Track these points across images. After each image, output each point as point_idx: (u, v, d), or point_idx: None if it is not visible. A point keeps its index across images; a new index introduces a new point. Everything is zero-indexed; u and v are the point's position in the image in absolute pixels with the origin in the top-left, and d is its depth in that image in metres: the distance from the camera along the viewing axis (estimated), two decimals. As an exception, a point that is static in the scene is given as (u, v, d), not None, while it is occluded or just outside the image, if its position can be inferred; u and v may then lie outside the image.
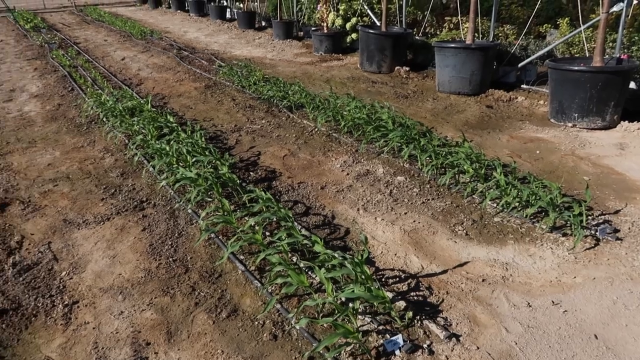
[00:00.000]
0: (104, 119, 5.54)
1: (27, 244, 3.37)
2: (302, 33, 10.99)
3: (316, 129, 5.32)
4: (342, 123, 5.13)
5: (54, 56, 9.32)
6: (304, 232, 3.35)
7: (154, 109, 5.58)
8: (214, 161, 3.98)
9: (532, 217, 3.42)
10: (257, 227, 3.14)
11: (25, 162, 4.75)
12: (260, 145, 5.00)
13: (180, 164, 4.10)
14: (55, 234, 3.48)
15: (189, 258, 3.15)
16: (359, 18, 9.15)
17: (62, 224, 3.61)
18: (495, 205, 3.63)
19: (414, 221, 3.51)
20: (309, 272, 2.87)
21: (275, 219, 3.18)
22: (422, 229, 3.41)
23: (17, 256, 3.22)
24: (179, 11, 16.10)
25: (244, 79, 7.08)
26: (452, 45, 6.36)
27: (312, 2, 10.53)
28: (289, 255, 3.01)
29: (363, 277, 2.53)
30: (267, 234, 3.30)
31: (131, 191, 4.08)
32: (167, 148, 4.23)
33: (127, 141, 5.04)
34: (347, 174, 4.28)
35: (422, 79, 7.39)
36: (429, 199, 3.81)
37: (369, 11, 9.00)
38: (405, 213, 3.63)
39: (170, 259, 3.13)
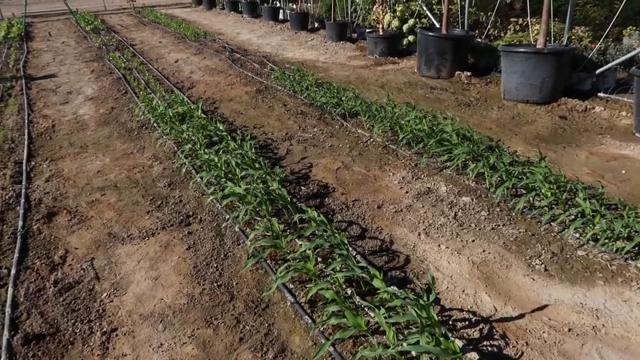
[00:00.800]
0: (155, 125, 5.43)
1: (70, 259, 3.24)
2: (355, 35, 10.66)
3: (372, 140, 5.00)
4: (401, 135, 4.77)
5: (111, 58, 9.45)
6: (359, 258, 3.04)
7: (205, 116, 5.42)
8: (264, 175, 3.73)
9: (624, 253, 2.95)
10: (309, 252, 2.86)
11: (76, 168, 4.69)
12: (312, 156, 4.72)
13: (229, 175, 3.89)
14: (99, 249, 3.33)
15: (234, 284, 2.91)
16: (417, 19, 8.73)
17: (107, 238, 3.46)
18: (577, 235, 3.18)
19: (484, 251, 3.13)
20: (366, 309, 2.56)
21: (328, 246, 2.88)
22: (493, 261, 3.02)
23: (60, 273, 3.08)
24: (232, 12, 16.15)
25: (296, 84, 6.84)
26: (522, 49, 5.85)
27: (368, 3, 10.18)
28: (344, 287, 2.71)
29: (430, 323, 2.20)
30: (320, 259, 3.01)
31: (178, 204, 3.91)
32: (216, 159, 4.03)
33: (176, 148, 4.90)
34: (406, 192, 3.93)
35: (485, 85, 6.89)
36: (499, 225, 3.41)
37: (427, 12, 8.56)
38: (473, 240, 3.25)
39: (215, 284, 2.90)
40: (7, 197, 4.10)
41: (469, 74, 7.20)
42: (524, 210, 3.51)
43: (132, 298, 2.82)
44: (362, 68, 8.17)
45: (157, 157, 4.85)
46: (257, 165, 3.97)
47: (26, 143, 5.32)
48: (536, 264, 2.97)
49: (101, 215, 3.79)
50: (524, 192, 3.56)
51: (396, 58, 8.66)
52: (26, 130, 5.69)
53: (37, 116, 6.33)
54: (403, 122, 4.90)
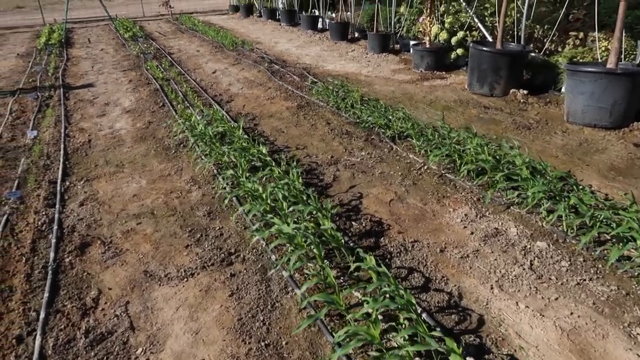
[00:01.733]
0: (194, 145, 5.15)
1: (103, 302, 2.94)
2: (398, 46, 10.25)
3: (426, 167, 4.59)
4: (459, 162, 4.35)
5: (148, 67, 9.31)
6: (425, 316, 2.64)
7: (246, 136, 5.11)
8: (314, 212, 3.37)
9: None
10: (371, 312, 2.48)
11: (111, 191, 4.45)
12: (362, 185, 4.34)
13: (275, 208, 3.55)
14: (134, 290, 3.03)
15: (284, 343, 2.55)
16: (467, 32, 8.26)
17: (143, 276, 3.16)
18: (684, 299, 2.71)
19: (571, 313, 2.68)
20: (442, 390, 2.17)
21: (395, 307, 2.49)
22: (584, 327, 2.58)
23: (92, 319, 2.79)
24: (269, 20, 15.96)
25: (340, 100, 6.49)
26: (591, 69, 5.34)
27: (413, 14, 9.76)
28: (414, 360, 2.32)
29: None
30: (380, 316, 2.63)
31: (218, 237, 3.59)
32: (260, 190, 3.70)
33: (215, 171, 4.61)
34: (471, 233, 3.51)
35: (544, 105, 6.39)
36: (585, 280, 2.95)
37: (479, 24, 8.09)
38: (556, 298, 2.81)
39: (262, 343, 2.55)
40: (39, 223, 3.86)
41: (525, 92, 6.70)
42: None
43: (169, 356, 2.50)
44: (407, 83, 7.76)
45: (195, 180, 4.56)
46: (304, 198, 3.62)
47: (61, 160, 5.12)
48: (638, 334, 2.51)
49: (137, 249, 3.51)
50: (611, 239, 3.10)
51: (444, 72, 8.21)
52: (62, 145, 5.51)
53: (73, 129, 6.16)
54: (458, 145, 4.47)
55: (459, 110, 6.32)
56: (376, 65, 9.12)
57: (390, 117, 5.64)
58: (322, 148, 5.24)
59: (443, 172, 4.46)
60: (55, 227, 3.77)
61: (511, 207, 3.80)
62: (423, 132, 5.09)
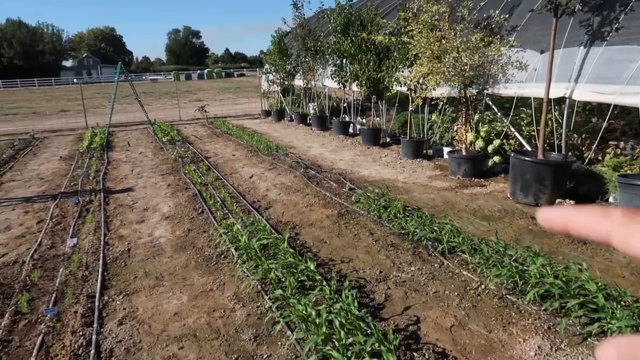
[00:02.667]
0: (237, 260, 4.98)
1: None
2: (432, 152, 10.34)
3: (483, 287, 4.29)
4: (520, 283, 4.05)
5: (186, 171, 9.49)
6: None
7: (292, 250, 4.94)
8: (376, 344, 3.08)
9: None
10: None
11: (151, 307, 4.23)
12: (417, 307, 4.05)
13: (332, 336, 3.26)
14: None
15: None
16: (503, 140, 8.29)
17: (187, 417, 2.84)
18: None
19: None
20: None
21: None
22: None
23: None
24: (301, 125, 16.55)
25: (382, 209, 6.37)
26: (648, 183, 5.16)
27: (445, 122, 9.94)
28: None
29: None
30: None
31: (267, 368, 3.29)
32: (313, 314, 3.44)
33: (260, 287, 4.39)
34: (551, 371, 3.14)
35: (595, 216, 6.13)
36: None
37: (516, 134, 8.13)
38: None
39: None
40: (76, 345, 3.63)
41: (571, 202, 6.50)
42: None
43: None
44: (447, 190, 7.65)
45: (239, 297, 4.34)
46: (362, 326, 3.34)
47: (100, 270, 4.99)
48: None
49: (179, 380, 3.22)
50: None
51: (482, 180, 8.12)
52: (101, 255, 5.41)
53: (113, 237, 6.11)
54: (523, 267, 4.19)
55: (505, 221, 6.10)
56: (412, 171, 9.12)
57: (436, 227, 5.45)
58: (369, 262, 5.01)
59: (504, 293, 4.15)
60: (92, 351, 3.53)
61: (589, 339, 3.43)
62: (475, 247, 4.85)
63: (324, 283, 4.14)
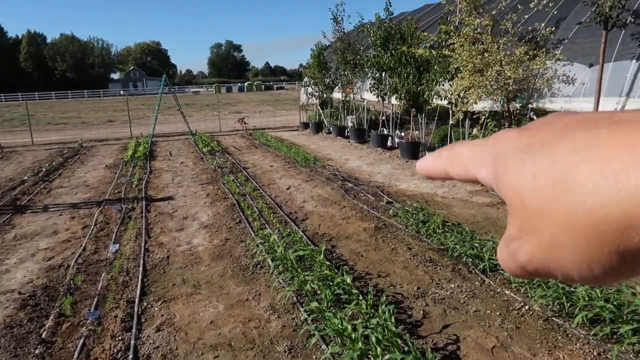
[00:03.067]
0: (273, 270, 4.97)
1: None
2: (472, 167, 10.10)
3: (527, 307, 4.12)
4: (567, 305, 3.87)
5: (225, 181, 9.63)
6: None
7: (328, 262, 4.90)
8: (414, 363, 2.99)
9: None
10: None
11: (188, 315, 4.27)
12: (457, 325, 3.92)
13: (368, 352, 3.19)
14: None
15: None
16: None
17: None
18: None
19: None
20: None
21: None
22: None
23: None
24: (338, 137, 16.56)
25: (420, 223, 6.25)
26: None
27: (487, 137, 9.72)
28: None
29: None
30: None
31: (302, 382, 3.24)
32: (349, 328, 3.38)
33: (295, 299, 4.36)
34: (601, 400, 2.96)
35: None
36: None
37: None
38: None
39: None
40: (115, 350, 3.69)
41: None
42: None
43: None
44: (488, 206, 7.45)
45: (274, 308, 4.32)
46: (398, 342, 3.25)
47: (140, 277, 5.09)
48: None
49: (214, 389, 3.21)
50: None
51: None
52: (141, 261, 5.52)
53: (153, 244, 6.23)
54: (570, 289, 4.00)
55: (550, 240, 5.86)
56: (451, 185, 8.94)
57: (477, 244, 5.30)
58: (407, 277, 4.91)
59: (549, 315, 3.96)
60: (130, 356, 3.58)
61: (643, 367, 3.23)
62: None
63: (360, 297, 4.08)
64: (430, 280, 4.80)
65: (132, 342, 3.78)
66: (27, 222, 7.45)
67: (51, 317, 4.28)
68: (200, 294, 4.71)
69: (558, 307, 4.04)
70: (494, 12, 8.38)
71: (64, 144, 17.61)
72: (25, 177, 11.10)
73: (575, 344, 3.57)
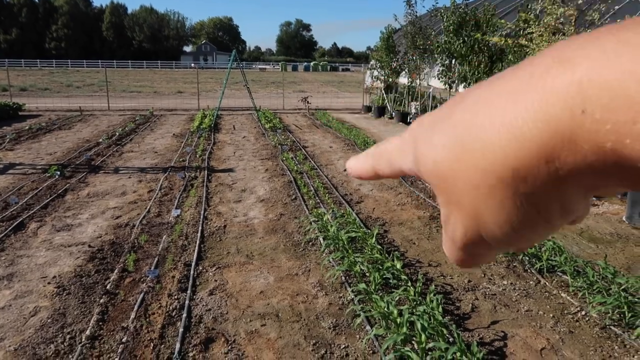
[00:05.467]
0: (325, 249, 5.04)
1: (220, 414, 2.76)
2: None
3: (583, 313, 3.95)
4: (628, 315, 3.67)
5: (284, 158, 9.79)
6: None
7: (379, 246, 4.91)
8: (458, 354, 2.96)
9: None
10: None
11: (240, 283, 4.44)
12: (506, 322, 3.83)
13: (412, 338, 3.20)
14: (253, 407, 2.82)
15: None
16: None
17: (262, 391, 2.95)
18: None
19: None
20: None
21: None
22: None
23: None
24: (400, 123, 16.33)
25: (477, 217, 6.09)
26: None
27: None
28: None
29: None
30: None
31: (344, 358, 3.30)
32: (395, 313, 3.40)
33: (344, 279, 4.42)
34: (655, 417, 2.81)
35: None
36: None
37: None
38: None
39: None
40: (171, 308, 3.92)
41: (701, 234, 5.75)
42: None
43: None
44: (551, 205, 7.13)
45: (322, 285, 4.40)
46: (445, 333, 3.23)
47: (197, 242, 5.32)
48: None
49: (259, 355, 3.34)
50: None
51: (594, 199, 7.46)
52: (200, 228, 5.76)
53: (211, 212, 6.48)
54: (633, 298, 3.80)
55: (617, 246, 5.56)
56: (514, 181, 8.62)
57: (536, 244, 5.11)
58: (458, 269, 4.83)
59: (607, 323, 3.79)
60: (184, 314, 3.78)
61: None
62: (579, 269, 4.48)
63: (409, 284, 4.07)
64: (482, 275, 4.70)
65: (187, 302, 3.99)
66: (100, 182, 7.96)
67: (116, 271, 4.59)
68: (252, 264, 4.87)
69: (618, 316, 3.85)
70: (580, 1, 7.88)
71: (137, 111, 18.51)
72: (100, 140, 11.81)
73: (633, 356, 3.40)
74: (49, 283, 4.40)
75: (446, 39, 11.72)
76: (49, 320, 3.78)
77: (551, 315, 3.96)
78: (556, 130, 0.20)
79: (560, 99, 0.20)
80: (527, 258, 4.91)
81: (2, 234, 5.43)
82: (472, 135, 0.24)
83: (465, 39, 10.99)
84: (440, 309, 3.58)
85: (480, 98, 0.24)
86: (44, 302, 4.08)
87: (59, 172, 8.15)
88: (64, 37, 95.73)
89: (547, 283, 4.50)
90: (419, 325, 3.19)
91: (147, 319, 3.74)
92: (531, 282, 4.55)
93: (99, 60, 76.99)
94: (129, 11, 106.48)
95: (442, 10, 13.33)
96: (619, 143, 0.19)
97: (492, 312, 4.00)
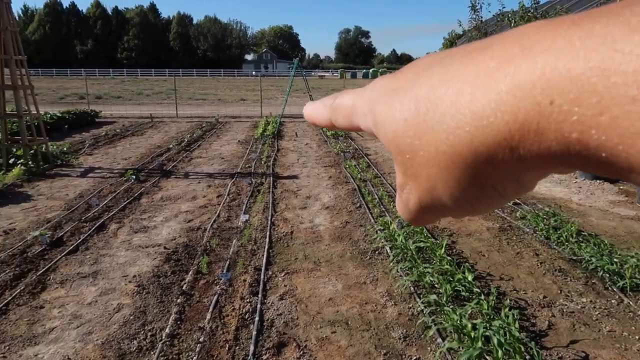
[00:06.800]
0: (393, 259, 5.02)
1: (295, 418, 2.81)
2: (616, 174, 9.13)
3: (674, 337, 3.70)
4: None
5: (347, 166, 9.84)
6: None
7: (449, 257, 4.83)
8: (538, 373, 2.87)
9: None
10: None
11: (309, 289, 4.51)
12: (586, 343, 3.65)
13: (485, 350, 3.13)
14: (327, 413, 2.85)
15: None
16: None
17: (336, 398, 2.98)
18: None
19: None
20: None
21: None
22: None
23: None
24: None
25: (550, 229, 5.85)
26: None
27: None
28: None
29: None
30: None
31: (416, 371, 3.27)
32: (469, 326, 3.33)
33: (412, 289, 4.37)
34: None
35: None
36: None
37: None
38: None
39: None
40: (243, 310, 4.04)
41: None
42: None
43: None
44: (632, 219, 6.72)
45: (391, 295, 4.38)
46: (522, 349, 3.12)
47: (266, 247, 5.45)
48: None
49: (330, 362, 3.38)
50: None
51: (681, 213, 6.95)
52: (268, 233, 5.90)
53: (278, 218, 6.62)
54: None
55: None
56: (589, 192, 8.20)
57: (617, 259, 4.83)
58: (532, 284, 4.66)
59: (702, 349, 3.52)
60: (256, 318, 3.89)
61: None
62: (667, 289, 4.20)
63: (482, 297, 3.97)
64: (559, 291, 4.51)
65: (259, 306, 4.09)
66: (172, 186, 8.34)
67: (190, 272, 4.79)
68: (320, 271, 4.93)
69: None
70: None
71: (203, 118, 19.23)
72: (171, 146, 12.38)
73: None
74: (129, 282, 4.66)
75: (515, 44, 11.34)
76: (131, 317, 4.00)
77: (637, 337, 3.73)
78: (523, 121, 0.21)
79: (527, 91, 0.21)
80: (608, 275, 4.65)
81: (87, 234, 5.82)
82: (435, 118, 0.24)
83: (536, 44, 10.58)
84: (517, 325, 3.47)
85: (447, 77, 0.24)
86: (126, 299, 4.33)
87: (134, 176, 8.62)
88: (134, 47, 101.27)
89: (631, 302, 4.24)
90: (495, 341, 3.11)
91: (222, 320, 3.87)
92: (613, 301, 4.31)
93: (166, 69, 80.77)
94: (195, 21, 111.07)
95: (510, 15, 12.95)
96: (585, 134, 0.20)
97: (571, 331, 3.82)
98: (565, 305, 4.24)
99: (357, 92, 0.32)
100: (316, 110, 0.36)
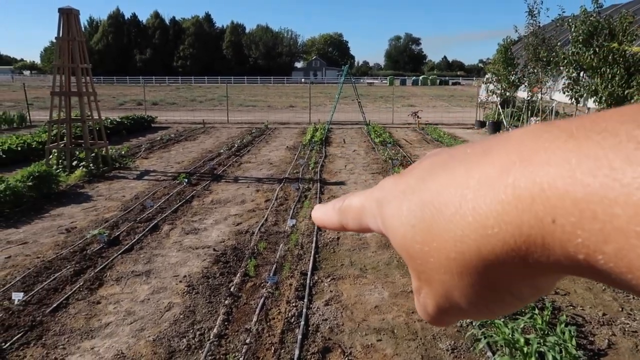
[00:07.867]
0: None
1: None
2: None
3: None
4: None
5: (395, 173, 9.72)
6: None
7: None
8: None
9: None
10: None
11: (354, 296, 4.48)
12: (651, 365, 3.42)
13: (538, 371, 2.99)
14: (371, 422, 2.81)
15: None
16: None
17: (380, 408, 2.93)
18: None
19: None
20: None
21: None
22: None
23: None
24: (517, 139, 15.46)
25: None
26: None
27: None
28: None
29: None
30: None
31: (464, 384, 3.17)
32: (522, 341, 3.19)
33: (461, 300, 4.25)
34: None
35: None
36: None
37: None
38: None
39: None
40: (289, 314, 4.06)
41: None
42: None
43: None
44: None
45: (439, 305, 4.28)
46: (580, 368, 2.97)
47: (312, 252, 5.47)
48: None
49: (375, 370, 3.33)
50: None
51: None
52: (314, 239, 5.92)
53: (325, 224, 6.62)
54: None
55: None
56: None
57: None
58: (590, 300, 4.43)
59: None
60: (302, 322, 3.90)
61: None
62: None
63: (535, 311, 3.81)
64: (620, 309, 4.26)
65: (304, 310, 4.10)
66: (221, 190, 8.53)
67: (238, 275, 4.87)
68: (366, 278, 4.89)
69: None
70: None
71: (252, 124, 19.61)
72: (221, 151, 12.69)
73: None
74: (180, 282, 4.80)
75: (574, 49, 10.91)
76: (181, 316, 4.11)
77: None
78: (528, 235, 0.20)
79: (528, 205, 0.20)
80: (675, 294, 4.35)
81: (141, 234, 6.04)
82: (442, 225, 0.24)
83: (597, 49, 10.14)
84: (574, 342, 3.30)
85: (452, 183, 0.24)
86: (177, 299, 4.45)
87: (186, 180, 8.89)
88: (189, 55, 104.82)
89: (701, 324, 3.95)
90: (550, 357, 2.97)
91: (268, 323, 3.91)
92: (681, 322, 4.02)
93: (219, 77, 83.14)
94: (247, 30, 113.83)
95: (570, 20, 12.46)
96: (591, 257, 0.19)
97: (634, 351, 3.60)
98: (627, 324, 4.00)
99: (365, 193, 0.32)
100: (325, 214, 0.36)
